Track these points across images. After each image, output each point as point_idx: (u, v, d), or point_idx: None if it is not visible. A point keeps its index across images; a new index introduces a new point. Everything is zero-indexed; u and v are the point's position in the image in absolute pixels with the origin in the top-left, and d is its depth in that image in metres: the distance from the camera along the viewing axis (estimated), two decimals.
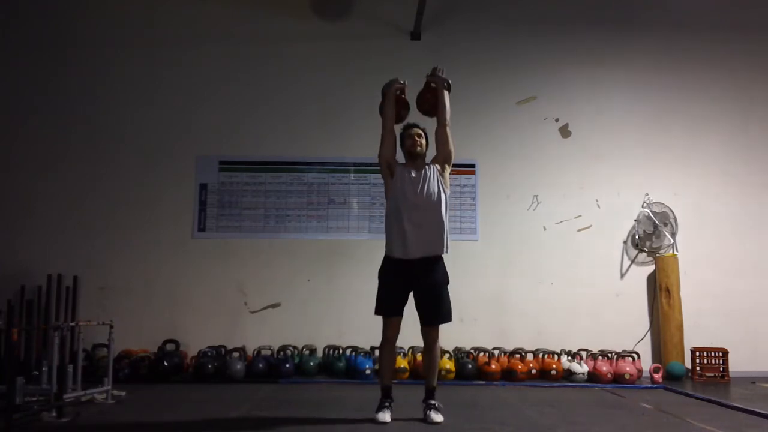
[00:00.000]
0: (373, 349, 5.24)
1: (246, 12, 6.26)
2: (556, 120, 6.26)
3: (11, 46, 6.16)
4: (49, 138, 6.05)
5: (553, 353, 5.48)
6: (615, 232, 6.12)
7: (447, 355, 5.35)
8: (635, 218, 6.09)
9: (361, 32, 6.27)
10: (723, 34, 6.35)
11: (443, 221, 3.64)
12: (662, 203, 6.07)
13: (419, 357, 5.17)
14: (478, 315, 5.85)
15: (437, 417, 3.50)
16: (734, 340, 5.71)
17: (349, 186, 6.12)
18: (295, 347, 5.60)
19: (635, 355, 5.43)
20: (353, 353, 5.36)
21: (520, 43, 6.33)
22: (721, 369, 5.54)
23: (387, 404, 3.57)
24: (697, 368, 5.58)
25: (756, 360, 5.80)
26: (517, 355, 5.47)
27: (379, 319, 3.66)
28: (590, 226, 6.12)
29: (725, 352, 5.55)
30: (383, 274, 3.69)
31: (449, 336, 5.18)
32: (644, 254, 6.07)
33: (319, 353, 5.63)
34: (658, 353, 5.86)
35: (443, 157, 3.80)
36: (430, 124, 3.95)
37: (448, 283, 3.68)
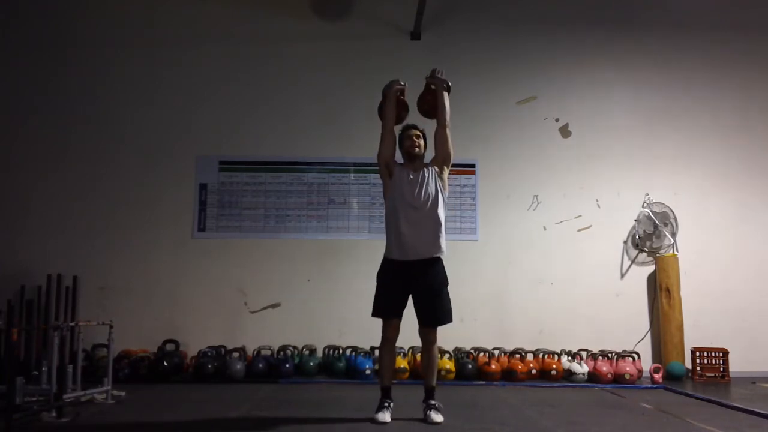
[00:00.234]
0: (373, 349, 5.24)
1: (246, 12, 6.26)
2: (556, 120, 6.26)
3: (11, 46, 6.16)
4: (49, 138, 6.05)
5: (553, 353, 5.48)
6: (615, 232, 6.11)
7: (447, 355, 5.35)
8: (635, 218, 6.09)
9: (361, 32, 6.27)
10: (723, 34, 6.35)
11: (440, 223, 3.64)
12: (662, 203, 6.07)
13: (419, 357, 5.17)
14: (478, 315, 5.85)
15: (437, 417, 3.50)
16: (734, 340, 5.71)
17: (349, 186, 6.12)
18: (295, 347, 5.60)
19: (635, 355, 5.43)
20: (353, 353, 5.36)
21: (520, 43, 6.33)
22: (722, 369, 5.54)
23: (387, 404, 3.57)
24: (698, 368, 5.58)
25: (756, 360, 5.80)
26: (517, 355, 5.46)
27: (379, 319, 3.66)
28: (590, 226, 6.12)
29: (725, 352, 5.55)
30: (381, 276, 3.70)
31: (449, 336, 5.18)
32: (644, 254, 6.07)
33: (319, 353, 5.63)
34: (658, 353, 5.86)
35: (442, 158, 3.80)
36: (429, 126, 3.95)
37: (447, 284, 3.68)
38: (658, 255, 6.00)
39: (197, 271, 5.91)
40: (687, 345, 5.73)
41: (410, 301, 3.67)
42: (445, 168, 3.81)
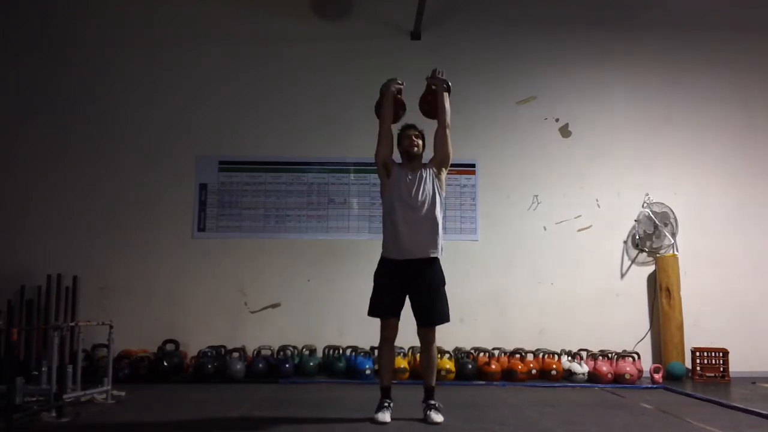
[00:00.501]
0: (373, 349, 5.24)
1: (246, 12, 6.26)
2: (556, 120, 6.26)
3: (11, 46, 6.16)
4: (49, 138, 6.05)
5: (554, 353, 5.48)
6: (615, 232, 6.11)
7: (447, 355, 5.35)
8: (635, 218, 6.09)
9: (361, 32, 6.27)
10: (723, 34, 6.35)
11: (437, 223, 3.64)
12: (662, 203, 6.07)
13: (419, 357, 5.17)
14: (478, 315, 5.85)
15: (437, 417, 3.50)
16: (734, 340, 5.71)
17: (349, 186, 6.12)
18: (295, 347, 5.60)
19: (635, 355, 5.43)
20: (353, 353, 5.36)
21: (520, 43, 6.33)
22: (722, 369, 5.54)
23: (386, 404, 3.57)
24: (698, 368, 5.58)
25: (756, 360, 5.80)
26: (517, 356, 5.46)
27: (377, 319, 3.66)
28: (590, 226, 6.12)
29: (725, 352, 5.55)
30: (378, 276, 3.70)
31: (449, 336, 5.20)
32: (644, 254, 6.07)
33: (319, 353, 5.63)
34: (658, 353, 5.86)
35: (441, 159, 3.80)
36: (429, 126, 3.94)
37: (444, 284, 3.68)
38: (658, 255, 6.00)
39: (197, 271, 5.91)
40: (687, 345, 5.73)
41: (408, 302, 3.67)
42: (443, 169, 3.81)
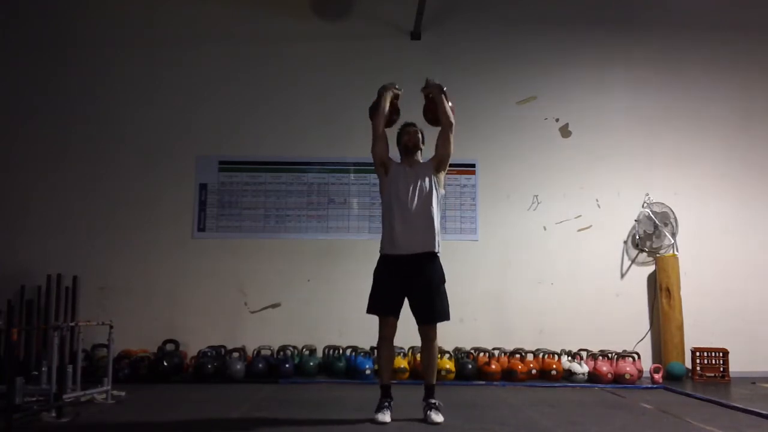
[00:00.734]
0: (372, 349, 5.24)
1: (246, 12, 6.26)
2: (556, 120, 6.26)
3: (11, 46, 6.16)
4: (49, 138, 6.05)
5: (554, 353, 5.48)
6: (615, 232, 6.11)
7: (447, 355, 5.34)
8: (635, 218, 6.09)
9: (361, 32, 6.27)
10: (723, 34, 6.35)
11: (433, 218, 3.65)
12: (662, 203, 6.07)
13: (419, 357, 5.17)
14: (478, 315, 5.85)
15: (437, 417, 3.50)
16: (734, 340, 5.71)
17: (349, 186, 6.12)
18: (295, 347, 5.60)
19: (635, 356, 5.43)
20: (353, 353, 5.36)
21: (520, 43, 6.33)
22: (722, 369, 5.54)
23: (386, 404, 3.57)
24: (698, 368, 5.58)
25: (756, 360, 5.80)
26: (517, 355, 5.46)
27: (377, 318, 3.66)
28: (590, 226, 6.12)
29: (725, 352, 5.55)
30: (377, 273, 3.71)
31: (449, 336, 5.20)
32: (644, 254, 6.07)
33: (319, 353, 5.63)
34: (658, 353, 5.86)
35: (440, 158, 3.80)
36: (431, 131, 3.95)
37: (444, 281, 3.68)
38: (658, 255, 6.00)
39: (197, 271, 5.91)
40: (687, 345, 5.73)
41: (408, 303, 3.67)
42: (442, 170, 3.81)
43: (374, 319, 3.68)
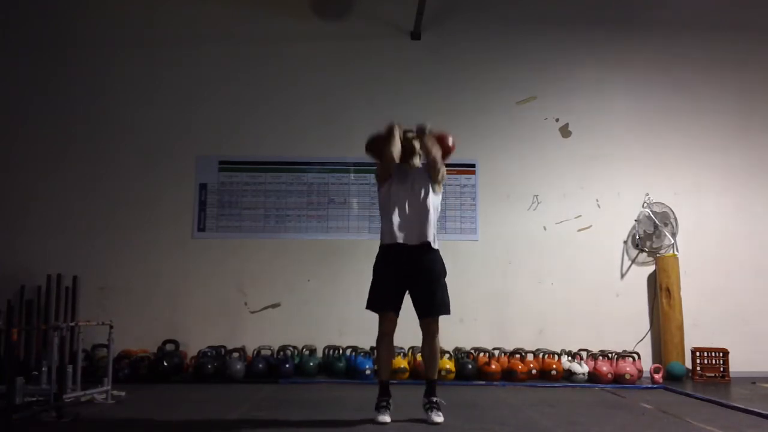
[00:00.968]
0: (372, 349, 5.23)
1: (246, 12, 6.26)
2: (556, 120, 6.26)
3: (11, 46, 6.16)
4: (49, 138, 6.05)
5: (554, 353, 5.48)
6: (615, 232, 6.11)
7: (447, 355, 5.34)
8: (635, 218, 6.09)
9: (361, 32, 6.27)
10: (723, 34, 6.35)
11: (429, 211, 3.64)
12: (662, 203, 6.07)
13: (419, 357, 5.17)
14: (478, 315, 5.85)
15: (437, 417, 3.50)
16: (734, 340, 5.71)
17: (349, 186, 6.12)
18: (295, 347, 5.60)
19: (635, 356, 5.42)
20: (353, 353, 5.37)
21: (520, 43, 6.33)
22: (722, 369, 5.54)
23: (385, 403, 3.56)
24: (698, 368, 5.58)
25: (756, 360, 5.80)
26: (517, 356, 5.46)
27: (377, 316, 3.66)
28: (590, 226, 6.12)
29: (725, 352, 5.55)
30: (376, 267, 3.71)
31: (449, 336, 5.18)
32: (644, 254, 6.07)
33: (319, 353, 5.63)
34: (658, 353, 5.86)
35: (432, 176, 3.73)
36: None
37: (444, 274, 3.68)
38: (658, 255, 6.00)
39: (197, 271, 5.91)
40: (687, 345, 5.73)
41: (408, 301, 3.66)
42: (438, 184, 3.74)
43: (374, 319, 3.67)
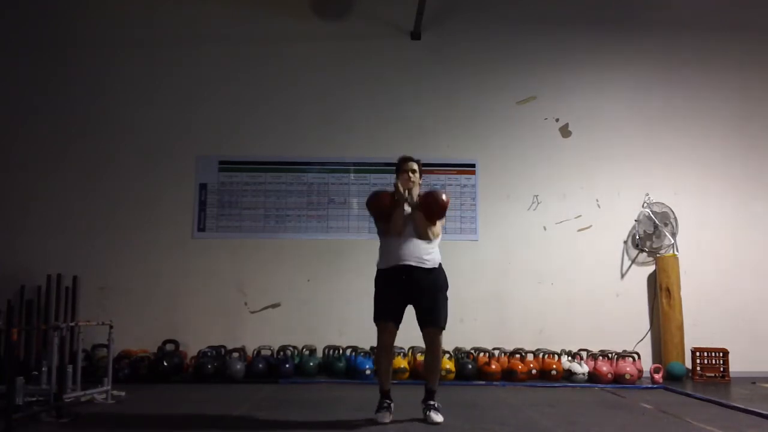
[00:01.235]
0: (372, 349, 5.23)
1: (246, 12, 6.26)
2: (556, 120, 6.26)
3: (11, 46, 6.16)
4: (49, 138, 6.05)
5: (554, 353, 5.48)
6: (615, 232, 6.11)
7: (447, 355, 5.34)
8: (635, 218, 6.09)
9: (361, 32, 6.27)
10: (723, 34, 6.35)
11: (430, 240, 3.62)
12: (662, 203, 6.07)
13: (419, 357, 5.18)
14: (478, 315, 5.85)
15: (437, 417, 3.50)
16: (734, 340, 5.71)
17: (349, 186, 6.12)
18: (295, 347, 5.60)
19: (635, 356, 5.43)
20: (353, 353, 5.36)
21: (520, 43, 6.33)
22: (722, 369, 5.54)
23: (386, 404, 3.57)
24: (698, 368, 5.58)
25: (756, 360, 5.80)
26: (517, 356, 5.46)
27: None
28: (590, 226, 6.12)
29: (725, 352, 5.55)
30: (377, 282, 3.70)
31: (449, 336, 5.13)
32: (644, 254, 6.07)
33: (319, 353, 5.63)
34: (658, 353, 5.86)
35: (431, 234, 3.69)
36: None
37: (447, 287, 3.67)
38: (658, 255, 6.00)
39: (197, 271, 5.91)
40: (687, 345, 5.73)
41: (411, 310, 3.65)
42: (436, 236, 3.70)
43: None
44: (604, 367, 5.27)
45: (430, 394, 3.63)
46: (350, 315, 5.66)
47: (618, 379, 5.22)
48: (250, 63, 6.23)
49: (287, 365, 5.26)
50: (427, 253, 3.62)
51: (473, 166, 6.15)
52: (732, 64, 6.36)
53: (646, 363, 5.64)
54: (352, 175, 6.13)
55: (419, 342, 3.73)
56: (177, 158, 6.07)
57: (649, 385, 5.19)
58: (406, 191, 3.67)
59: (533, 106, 6.26)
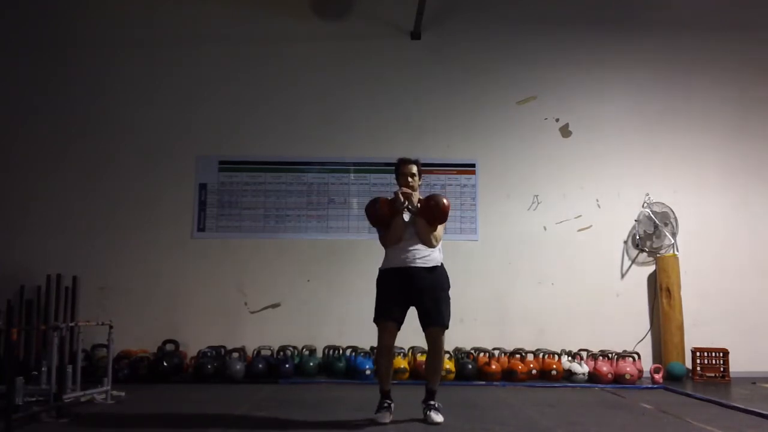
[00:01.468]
0: (372, 349, 5.23)
1: (246, 12, 6.26)
2: (556, 120, 6.26)
3: (11, 46, 6.16)
4: (49, 138, 6.05)
5: (554, 353, 5.48)
6: (615, 232, 6.11)
7: (447, 355, 5.33)
8: (635, 218, 6.08)
9: (361, 32, 6.27)
10: (723, 34, 6.35)
11: (432, 243, 3.63)
12: (662, 203, 6.06)
13: (419, 357, 5.18)
14: (478, 315, 5.85)
15: (437, 417, 3.50)
16: (734, 340, 5.71)
17: (349, 186, 6.12)
18: (295, 347, 5.60)
19: (636, 356, 5.42)
20: (353, 353, 5.36)
21: (520, 43, 6.33)
22: (722, 369, 5.53)
23: (386, 405, 3.57)
24: (698, 368, 5.58)
25: (756, 360, 5.80)
26: (518, 356, 5.46)
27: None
28: (590, 226, 6.11)
29: (725, 352, 5.55)
30: (378, 282, 3.71)
31: (449, 336, 5.14)
32: (645, 254, 6.07)
33: (319, 353, 5.63)
34: (658, 353, 5.86)
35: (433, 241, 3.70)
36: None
37: (449, 287, 3.68)
38: (658, 255, 6.00)
39: (197, 271, 5.91)
40: (687, 345, 5.73)
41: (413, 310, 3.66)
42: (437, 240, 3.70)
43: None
44: (605, 367, 5.27)
45: (430, 395, 3.63)
46: (350, 315, 5.66)
47: (618, 379, 5.22)
48: (250, 63, 6.23)
49: (287, 365, 5.26)
50: (428, 252, 3.63)
51: (473, 166, 6.15)
52: (732, 64, 6.36)
53: (646, 363, 5.63)
54: (352, 175, 6.13)
55: (419, 342, 3.74)
56: (177, 158, 6.07)
57: (650, 385, 5.19)
58: (406, 201, 3.66)
59: (533, 106, 6.26)
